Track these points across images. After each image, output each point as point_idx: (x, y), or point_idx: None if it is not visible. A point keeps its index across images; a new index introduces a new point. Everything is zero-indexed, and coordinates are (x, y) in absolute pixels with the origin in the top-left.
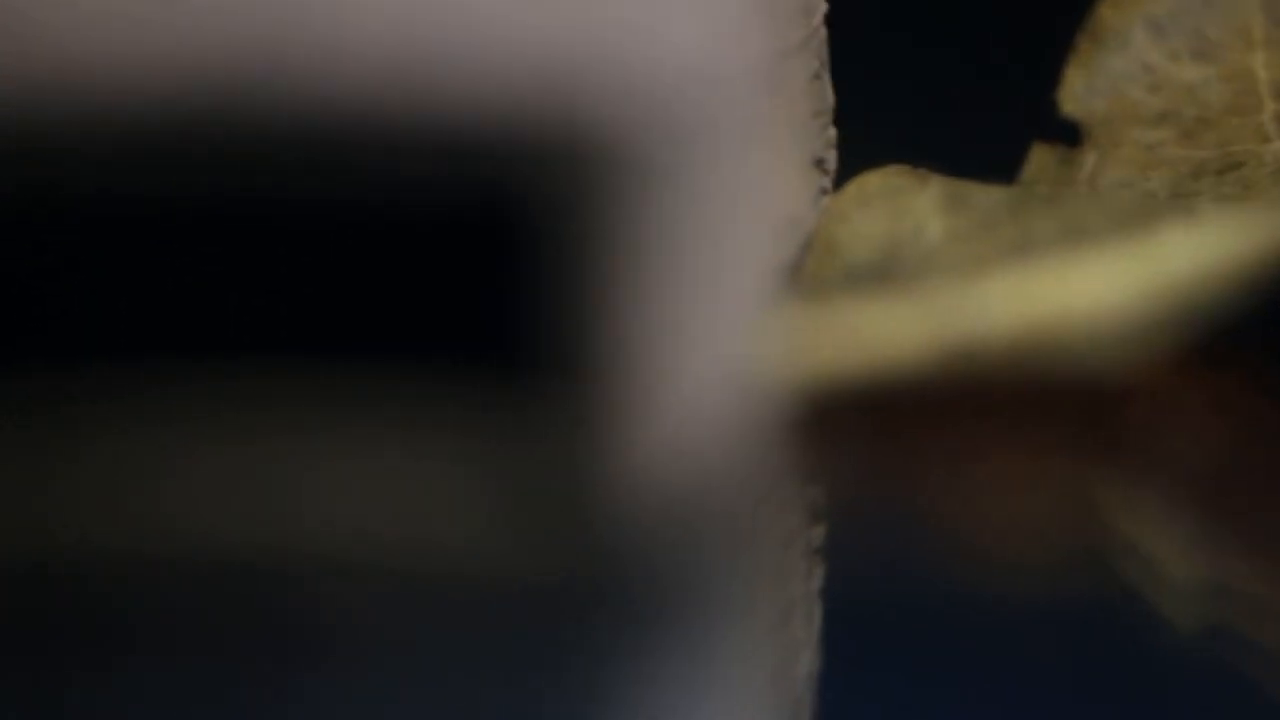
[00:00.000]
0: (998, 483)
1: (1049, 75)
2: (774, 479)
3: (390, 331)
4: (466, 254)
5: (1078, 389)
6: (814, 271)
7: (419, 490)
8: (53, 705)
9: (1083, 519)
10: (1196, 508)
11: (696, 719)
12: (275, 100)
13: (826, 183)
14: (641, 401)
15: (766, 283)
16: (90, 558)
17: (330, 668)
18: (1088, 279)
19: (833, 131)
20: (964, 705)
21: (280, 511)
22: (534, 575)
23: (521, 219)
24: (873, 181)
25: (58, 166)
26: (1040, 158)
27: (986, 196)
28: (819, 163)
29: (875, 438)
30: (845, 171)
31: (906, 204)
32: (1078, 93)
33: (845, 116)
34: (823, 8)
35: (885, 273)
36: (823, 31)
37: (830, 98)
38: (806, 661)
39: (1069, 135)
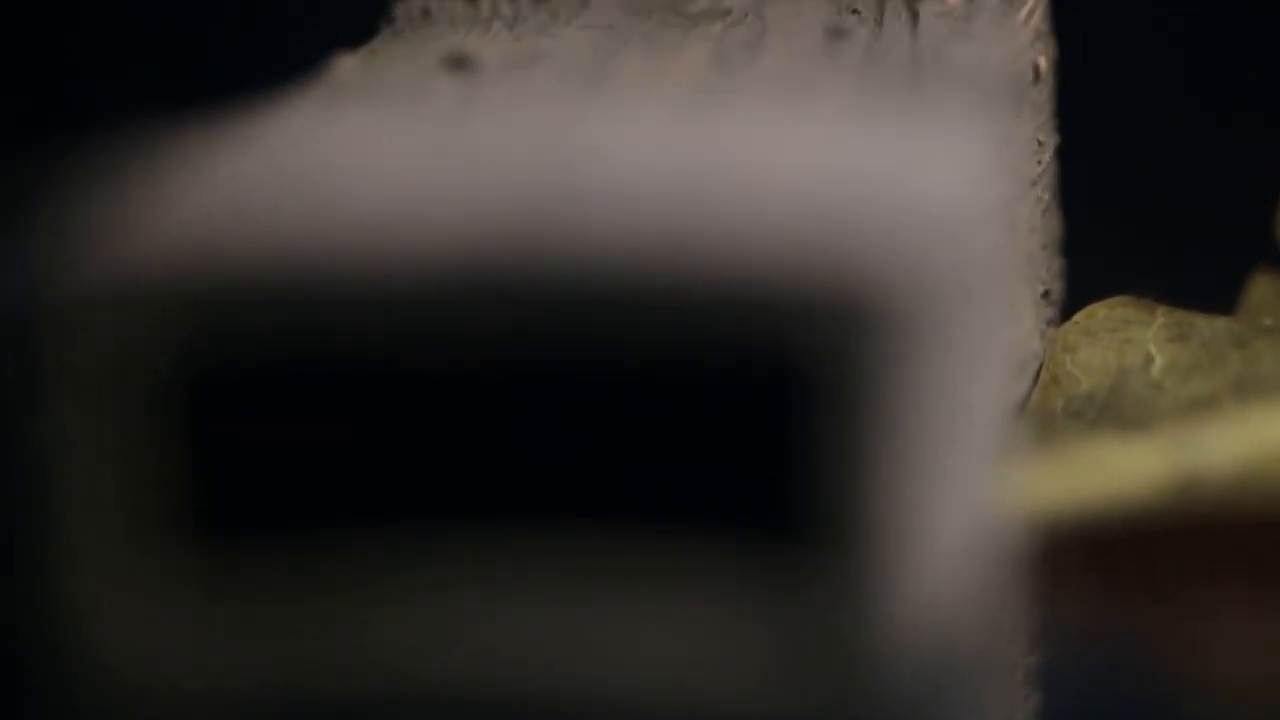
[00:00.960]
0: (1225, 618)
1: (1270, 205)
2: (1009, 614)
3: (659, 491)
4: (734, 413)
5: None
6: (1041, 402)
7: (689, 647)
8: None
9: None
10: None
11: None
12: (556, 263)
13: (1054, 314)
14: (896, 556)
15: (1004, 421)
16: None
17: None
18: None
19: (1060, 262)
20: None
21: (560, 664)
22: None
23: (788, 377)
24: (1099, 313)
25: (347, 331)
26: (1262, 287)
27: (1211, 328)
28: (1046, 294)
29: (1106, 571)
30: (1074, 303)
31: (1133, 335)
32: None
33: (1073, 247)
34: (1053, 143)
35: (1111, 404)
36: (1053, 165)
37: (1059, 229)
38: None
39: None
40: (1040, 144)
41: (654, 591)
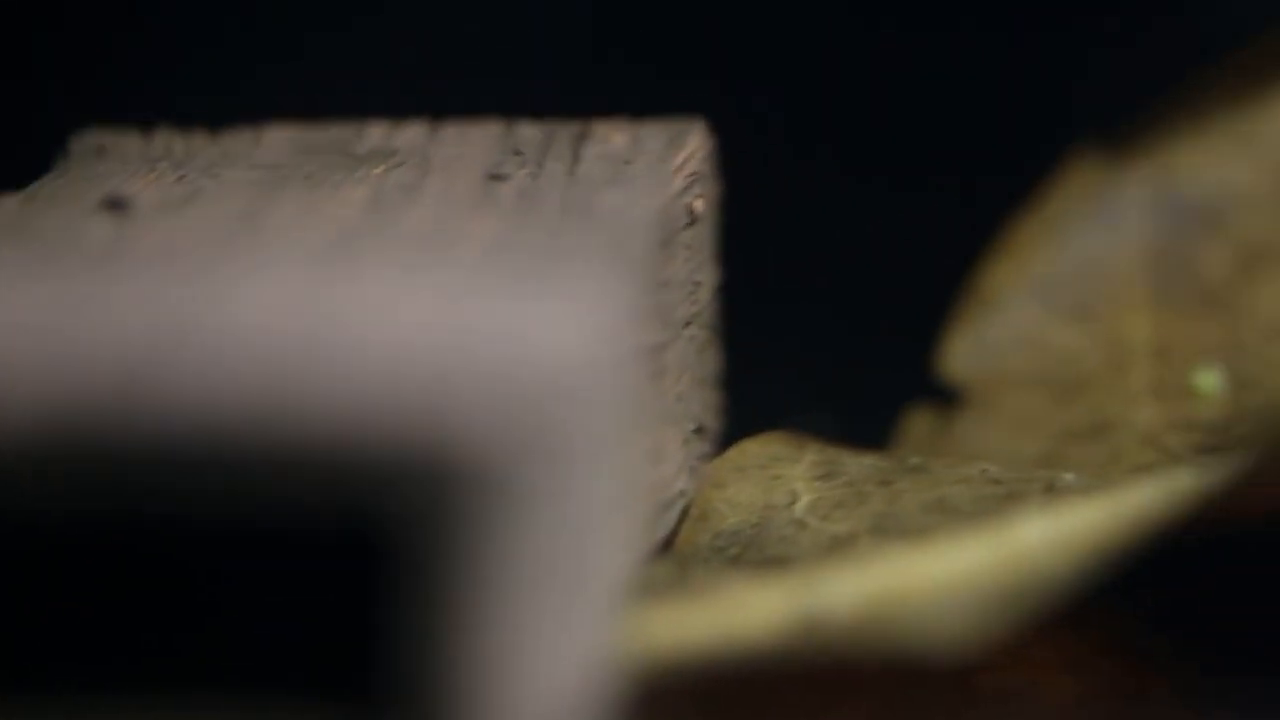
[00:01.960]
0: None
1: (934, 338)
2: None
3: (239, 649)
4: (322, 575)
5: (928, 661)
6: (688, 540)
7: None
8: None
9: None
10: None
11: None
12: (148, 417)
13: (709, 449)
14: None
15: (637, 564)
16: None
17: None
18: (945, 555)
19: (717, 398)
20: None
21: None
22: None
23: (372, 540)
24: (751, 449)
25: None
26: (919, 422)
27: (859, 465)
28: (700, 430)
29: (724, 712)
30: (731, 438)
31: (781, 471)
32: (959, 355)
33: (734, 382)
34: (713, 282)
35: (755, 542)
36: (712, 304)
37: (717, 366)
38: None
39: (949, 398)
40: (697, 284)
41: None
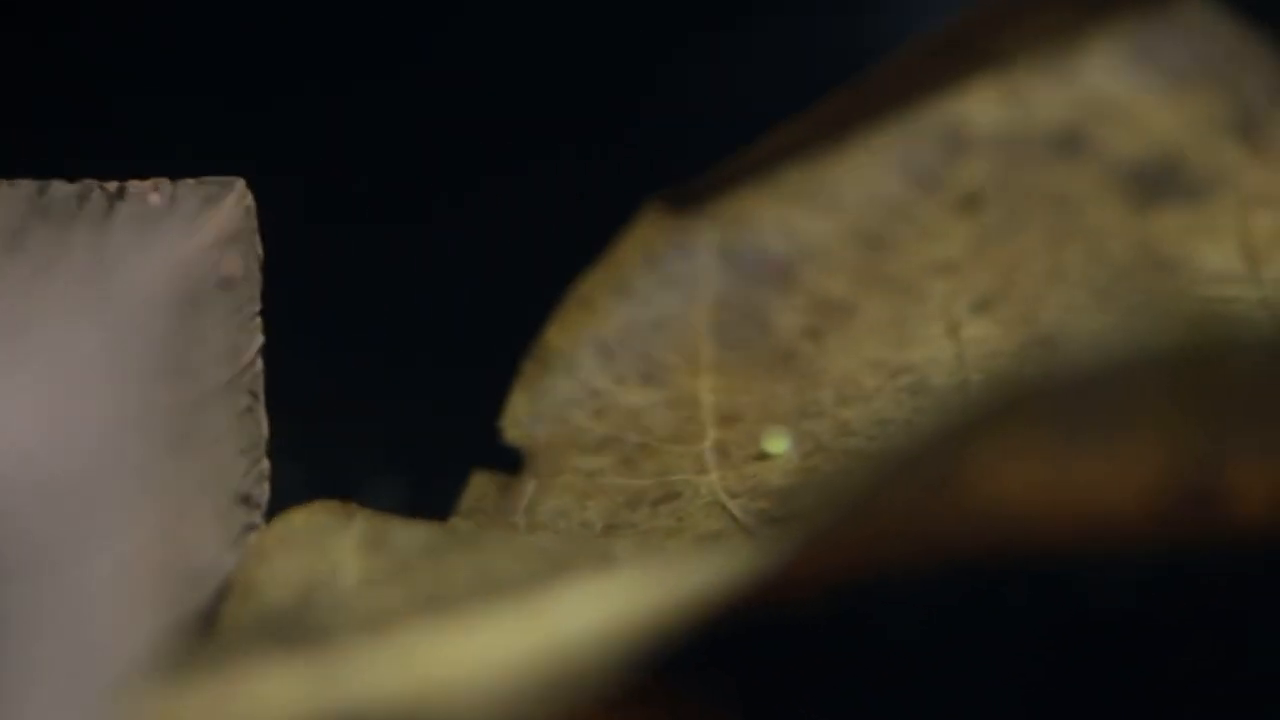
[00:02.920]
0: None
1: (500, 401)
2: None
3: None
4: None
5: None
6: (231, 617)
7: None
8: None
9: None
10: None
11: None
12: None
13: (256, 519)
14: None
15: (154, 646)
16: None
17: None
18: (484, 636)
19: (265, 465)
20: None
21: None
22: None
23: None
24: (298, 518)
25: None
26: (480, 487)
27: (408, 536)
28: (245, 499)
29: None
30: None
31: (327, 543)
32: (521, 418)
33: (289, 449)
34: (256, 343)
35: (298, 620)
36: (257, 366)
37: (263, 431)
38: None
39: (513, 462)
40: (238, 347)
41: None
